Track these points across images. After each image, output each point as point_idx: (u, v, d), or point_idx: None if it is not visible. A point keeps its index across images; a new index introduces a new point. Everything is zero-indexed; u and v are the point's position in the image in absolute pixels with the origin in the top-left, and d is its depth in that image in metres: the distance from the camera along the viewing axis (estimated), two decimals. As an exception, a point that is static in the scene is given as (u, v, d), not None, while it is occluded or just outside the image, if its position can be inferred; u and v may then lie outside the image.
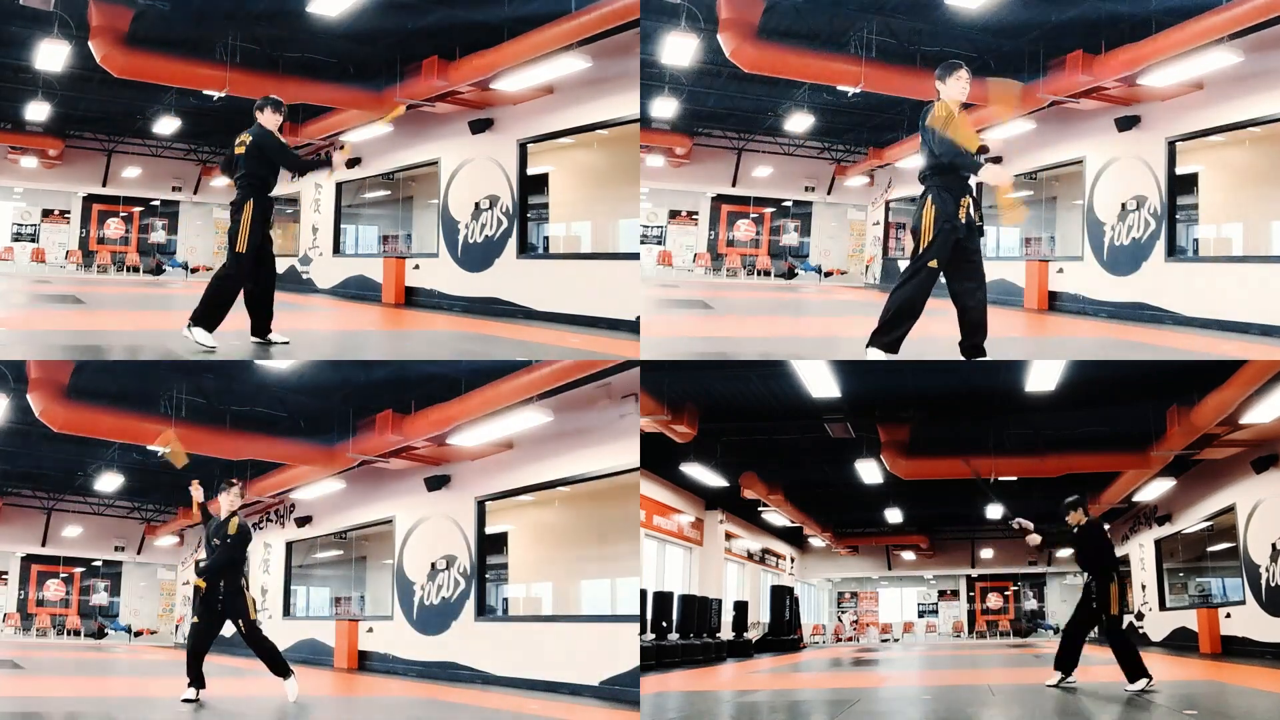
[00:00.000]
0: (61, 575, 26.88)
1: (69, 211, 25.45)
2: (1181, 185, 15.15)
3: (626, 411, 11.70)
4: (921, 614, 35.26)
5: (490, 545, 14.62)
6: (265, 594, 20.66)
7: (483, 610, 14.06)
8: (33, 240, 25.24)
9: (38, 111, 20.23)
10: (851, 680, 13.45)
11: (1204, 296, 13.82)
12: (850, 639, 34.27)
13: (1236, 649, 16.52)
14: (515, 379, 11.26)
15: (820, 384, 12.34)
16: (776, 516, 23.92)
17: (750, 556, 26.06)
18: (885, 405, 15.09)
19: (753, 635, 23.72)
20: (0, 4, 14.11)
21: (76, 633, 26.69)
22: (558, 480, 13.11)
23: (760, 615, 26.03)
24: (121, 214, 25.78)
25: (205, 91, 16.02)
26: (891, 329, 7.95)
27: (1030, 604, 34.42)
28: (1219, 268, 14.58)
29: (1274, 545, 15.14)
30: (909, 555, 33.58)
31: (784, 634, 24.45)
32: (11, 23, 14.99)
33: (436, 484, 14.81)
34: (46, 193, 25.09)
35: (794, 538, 30.07)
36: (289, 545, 19.95)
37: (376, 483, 16.07)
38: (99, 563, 27.29)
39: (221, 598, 9.43)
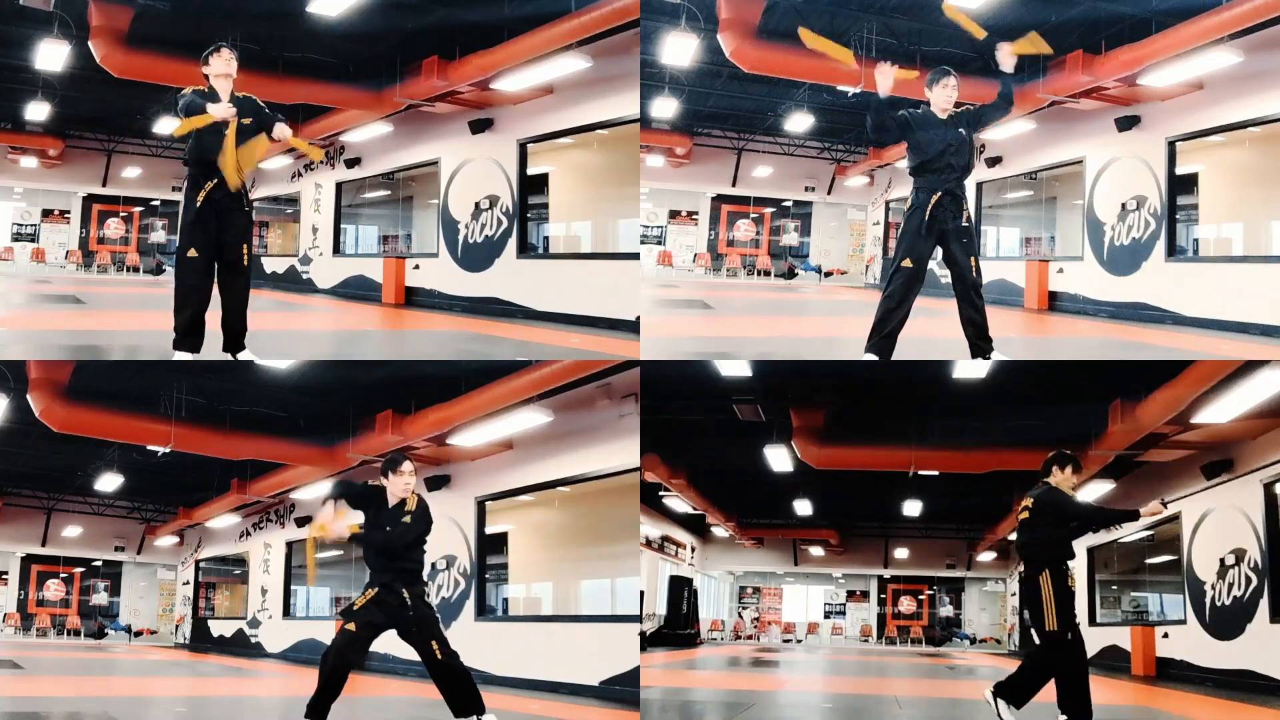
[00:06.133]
0: (61, 575, 26.87)
1: (69, 211, 25.44)
2: (1181, 185, 15.14)
3: (626, 411, 11.70)
4: (828, 615, 32.90)
5: (490, 545, 14.62)
6: (265, 594, 20.68)
7: (483, 610, 14.06)
8: (33, 240, 25.24)
9: (38, 111, 20.23)
10: (750, 682, 13.24)
11: (1204, 296, 13.82)
12: (751, 637, 32.33)
13: (1173, 673, 15.01)
14: (515, 379, 11.25)
15: (730, 362, 11.32)
16: (678, 502, 22.61)
17: (649, 543, 24.91)
18: (799, 387, 14.15)
19: (647, 627, 22.54)
20: (0, 4, 14.11)
21: (76, 633, 26.68)
22: (558, 480, 13.11)
23: (656, 606, 24.59)
24: (121, 214, 25.77)
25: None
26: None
27: (946, 610, 32.13)
28: (1219, 268, 14.57)
29: (1222, 561, 13.66)
30: (817, 551, 31.44)
31: (681, 628, 23.74)
32: (11, 23, 14.98)
33: (436, 484, 14.81)
34: (46, 193, 25.07)
35: (696, 526, 28.31)
36: (289, 545, 19.95)
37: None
38: (99, 563, 27.26)
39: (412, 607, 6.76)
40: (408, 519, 6.73)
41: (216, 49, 7.86)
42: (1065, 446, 7.37)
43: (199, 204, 7.71)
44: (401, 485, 6.77)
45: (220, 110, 7.51)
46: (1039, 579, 7.07)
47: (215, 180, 7.72)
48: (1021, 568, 7.33)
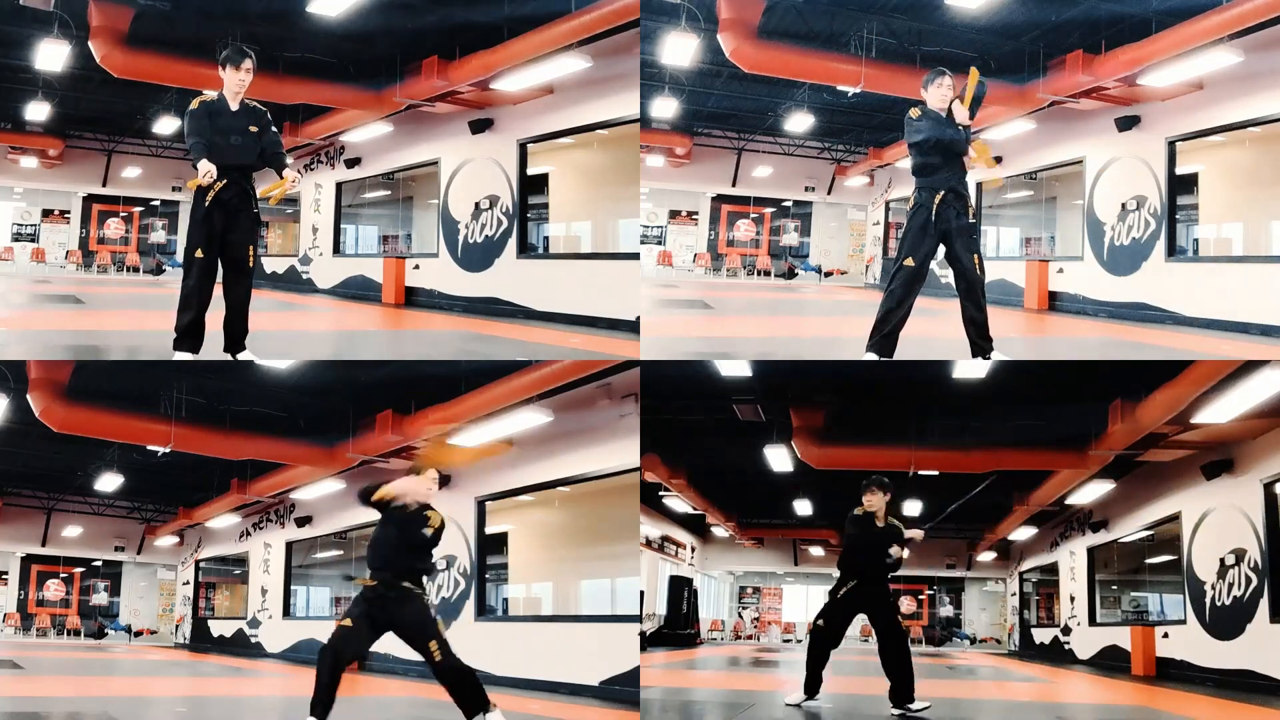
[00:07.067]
0: (61, 575, 26.87)
1: (69, 211, 25.44)
2: (1181, 185, 15.14)
3: (626, 411, 11.70)
4: (828, 614, 33.10)
5: (490, 545, 14.62)
6: (265, 594, 20.68)
7: (483, 610, 14.06)
8: (33, 240, 25.23)
9: (38, 111, 20.22)
10: (750, 682, 13.23)
11: (1204, 296, 13.82)
12: (751, 637, 32.17)
13: (1173, 673, 14.97)
14: (515, 379, 11.26)
15: (730, 362, 11.37)
16: (678, 502, 22.47)
17: (649, 544, 24.58)
18: (799, 387, 14.11)
19: (648, 627, 22.44)
20: (0, 4, 14.11)
21: (76, 633, 26.69)
22: (558, 480, 13.11)
23: (656, 606, 24.47)
24: (121, 214, 25.77)
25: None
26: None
27: (946, 610, 32.01)
28: (1219, 268, 14.57)
29: (1222, 561, 13.60)
30: (817, 551, 31.04)
31: (681, 627, 23.68)
32: (11, 23, 14.98)
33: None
34: (46, 193, 25.07)
35: (696, 526, 28.11)
36: (289, 545, 19.96)
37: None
38: (99, 563, 27.27)
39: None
40: (429, 531, 6.78)
41: (236, 61, 7.87)
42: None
43: (207, 205, 7.73)
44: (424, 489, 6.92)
45: (203, 172, 7.57)
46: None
47: (224, 181, 7.74)
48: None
